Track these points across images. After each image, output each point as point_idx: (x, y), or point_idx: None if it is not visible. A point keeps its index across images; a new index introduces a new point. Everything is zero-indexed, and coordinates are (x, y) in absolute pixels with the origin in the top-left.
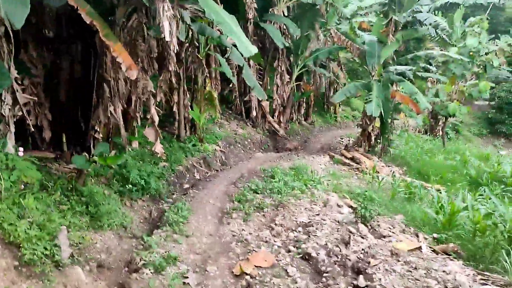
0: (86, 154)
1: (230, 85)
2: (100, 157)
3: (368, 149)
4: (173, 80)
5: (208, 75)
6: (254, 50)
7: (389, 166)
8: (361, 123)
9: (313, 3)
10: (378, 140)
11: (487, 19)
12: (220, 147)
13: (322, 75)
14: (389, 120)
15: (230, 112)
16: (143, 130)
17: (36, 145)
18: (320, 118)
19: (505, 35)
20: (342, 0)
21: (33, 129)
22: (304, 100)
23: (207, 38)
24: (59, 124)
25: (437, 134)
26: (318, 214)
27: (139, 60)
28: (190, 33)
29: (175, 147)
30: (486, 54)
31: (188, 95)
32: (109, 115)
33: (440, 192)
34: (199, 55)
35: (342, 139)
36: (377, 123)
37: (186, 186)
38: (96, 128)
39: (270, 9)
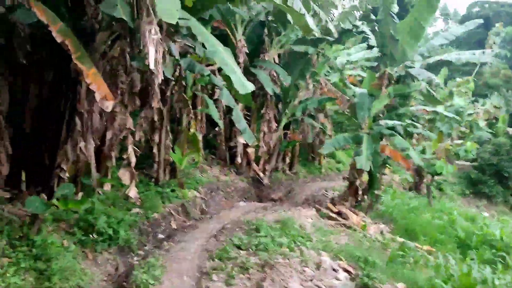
0: (45, 196)
1: (216, 129)
2: (62, 200)
3: (355, 203)
4: (156, 118)
5: (193, 116)
6: (250, 87)
7: (376, 223)
8: (348, 176)
9: (305, 51)
10: (365, 195)
11: (474, 80)
12: (201, 193)
13: (310, 125)
14: (378, 175)
15: (214, 157)
16: (118, 171)
17: None
18: (304, 169)
19: (488, 98)
20: (333, 52)
21: None
22: (290, 149)
23: (194, 78)
24: (20, 159)
25: (421, 192)
26: (311, 280)
27: (119, 92)
28: (178, 70)
29: (151, 192)
30: (470, 115)
31: (170, 136)
32: (78, 152)
33: (430, 254)
34: (185, 95)
35: (327, 191)
36: (365, 177)
37: (161, 236)
38: (62, 166)
39: (261, 55)
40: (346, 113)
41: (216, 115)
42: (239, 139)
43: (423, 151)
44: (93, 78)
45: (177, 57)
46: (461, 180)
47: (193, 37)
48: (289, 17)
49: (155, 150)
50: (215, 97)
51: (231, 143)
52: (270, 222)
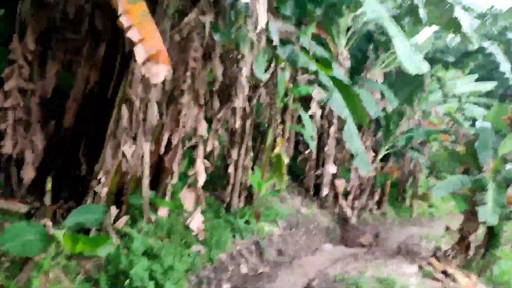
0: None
1: (306, 152)
2: (68, 236)
3: (464, 262)
4: (237, 124)
5: (281, 133)
6: (425, 68)
7: None
8: (461, 227)
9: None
10: (478, 254)
11: None
12: (279, 228)
13: (414, 159)
14: (500, 231)
15: (295, 185)
16: (180, 191)
17: (9, 187)
18: (392, 210)
19: None
20: (450, 79)
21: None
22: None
23: (286, 87)
24: (50, 163)
25: None
26: None
27: (188, 75)
28: (273, 65)
29: (221, 221)
30: None
31: (251, 154)
32: (122, 157)
33: None
34: (275, 104)
35: (421, 240)
36: (480, 232)
37: (226, 286)
38: (100, 177)
39: (363, 72)
40: (460, 151)
41: (309, 133)
42: (328, 168)
43: None
44: (137, 19)
45: (276, 41)
46: None
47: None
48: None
49: (231, 169)
50: (310, 112)
51: (318, 171)
52: (369, 282)
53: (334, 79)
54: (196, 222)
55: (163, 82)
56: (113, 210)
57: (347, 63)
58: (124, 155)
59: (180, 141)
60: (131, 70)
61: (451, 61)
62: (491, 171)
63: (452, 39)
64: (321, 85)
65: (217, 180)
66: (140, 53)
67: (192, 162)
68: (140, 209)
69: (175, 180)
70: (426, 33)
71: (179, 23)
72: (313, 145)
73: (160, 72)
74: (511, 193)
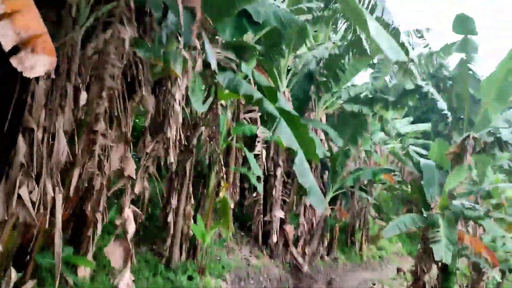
0: None
1: (254, 195)
2: None
3: None
4: (171, 156)
5: (225, 176)
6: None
7: None
8: (414, 268)
9: (358, 112)
10: None
11: None
12: (227, 283)
13: (362, 200)
14: (454, 269)
15: (242, 233)
16: (107, 245)
17: None
18: (343, 255)
19: None
20: (392, 117)
21: None
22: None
23: (229, 126)
24: None
25: None
26: None
27: (105, 97)
28: (211, 99)
29: (158, 281)
30: None
31: (192, 201)
32: (17, 204)
33: None
34: (218, 144)
35: (374, 285)
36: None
37: None
38: None
39: (306, 113)
40: (405, 188)
41: (255, 176)
42: (276, 213)
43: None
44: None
45: (214, 66)
46: None
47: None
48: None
49: (170, 218)
50: (255, 152)
51: (265, 217)
52: None
53: (281, 110)
54: (126, 282)
55: (75, 107)
56: (13, 274)
57: (290, 105)
58: (21, 200)
59: (104, 184)
60: (32, 90)
61: (392, 100)
62: (439, 208)
63: (390, 80)
64: (266, 116)
65: (155, 232)
66: (5, 35)
67: (120, 210)
68: (51, 272)
69: (99, 231)
70: (364, 76)
71: (93, 34)
72: (260, 187)
73: (38, 65)
74: (461, 229)
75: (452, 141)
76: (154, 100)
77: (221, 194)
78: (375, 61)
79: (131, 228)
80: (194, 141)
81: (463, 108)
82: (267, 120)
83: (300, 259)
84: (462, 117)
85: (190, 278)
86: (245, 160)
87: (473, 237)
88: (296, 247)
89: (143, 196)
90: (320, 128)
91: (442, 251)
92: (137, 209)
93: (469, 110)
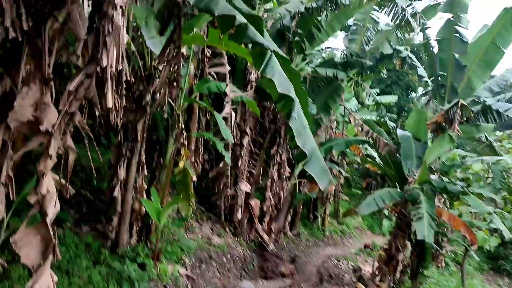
0: None
1: (221, 165)
2: None
3: (392, 285)
4: (109, 100)
5: (185, 143)
6: None
7: None
8: (388, 246)
9: (333, 77)
10: (405, 275)
11: None
12: (186, 268)
13: (333, 173)
14: (431, 248)
15: (203, 209)
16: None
17: None
18: (305, 230)
19: None
20: (372, 81)
21: None
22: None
23: (191, 81)
24: None
25: (440, 265)
26: None
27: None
28: (170, 43)
29: (101, 271)
30: None
31: (145, 172)
32: None
33: None
34: (176, 103)
35: (339, 261)
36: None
37: None
38: None
39: None
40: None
41: (222, 143)
42: (242, 186)
43: None
44: None
45: None
46: (479, 253)
47: None
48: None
49: (117, 193)
50: (223, 114)
51: (230, 191)
52: None
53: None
54: (43, 284)
55: None
56: None
57: None
58: None
59: (9, 143)
60: None
61: (369, 65)
62: (417, 182)
63: (366, 44)
64: (252, 47)
65: (101, 209)
66: None
67: (37, 181)
68: None
69: (1, 214)
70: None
71: None
72: (228, 157)
73: None
74: (437, 205)
75: (431, 110)
76: (86, 22)
77: (180, 164)
78: (350, 22)
79: (51, 208)
80: (148, 98)
81: (446, 74)
82: (254, 56)
83: (265, 237)
84: (444, 84)
85: (141, 266)
86: (209, 125)
87: (451, 214)
88: (261, 224)
89: (67, 161)
90: None
91: (425, 229)
92: (63, 181)
93: (452, 77)
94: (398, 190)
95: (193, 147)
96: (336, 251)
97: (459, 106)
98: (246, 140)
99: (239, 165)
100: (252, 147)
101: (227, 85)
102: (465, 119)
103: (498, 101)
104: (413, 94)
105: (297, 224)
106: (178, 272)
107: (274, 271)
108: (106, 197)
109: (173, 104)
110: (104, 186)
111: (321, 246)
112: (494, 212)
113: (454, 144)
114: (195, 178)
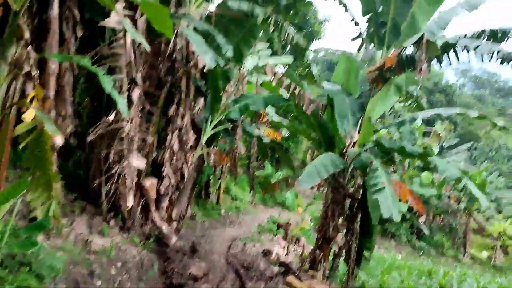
0: None
1: (110, 117)
2: None
3: (328, 272)
4: None
5: (34, 72)
6: None
7: None
8: (321, 226)
9: (247, 14)
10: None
11: None
12: None
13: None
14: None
15: (74, 197)
16: None
17: None
18: (199, 210)
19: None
20: (294, 18)
21: None
22: None
23: None
24: None
25: None
26: None
27: None
28: None
29: None
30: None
31: None
32: None
33: None
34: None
35: (245, 245)
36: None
37: None
38: None
39: (172, 9)
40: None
41: (110, 80)
42: (132, 161)
43: None
44: None
45: None
46: None
47: None
48: None
49: None
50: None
51: (114, 169)
52: None
53: None
54: None
55: None
56: None
57: None
58: None
59: None
60: None
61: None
62: (358, 145)
63: None
64: None
65: None
66: None
67: None
68: None
69: None
70: None
71: None
72: (124, 103)
73: None
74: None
75: (365, 54)
76: None
77: (27, 116)
78: None
79: None
80: None
81: (388, 10)
82: None
83: (165, 228)
84: (385, 22)
85: None
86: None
87: (398, 181)
88: (158, 210)
89: None
90: (200, 28)
91: (390, 204)
92: None
93: (395, 13)
94: (336, 156)
95: (52, 86)
96: (236, 231)
97: (425, 43)
98: (136, 94)
99: (126, 130)
100: (147, 104)
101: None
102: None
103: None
104: None
105: (190, 203)
106: None
107: (182, 275)
108: None
109: None
110: None
111: (218, 227)
112: (465, 175)
113: (402, 94)
114: (59, 141)
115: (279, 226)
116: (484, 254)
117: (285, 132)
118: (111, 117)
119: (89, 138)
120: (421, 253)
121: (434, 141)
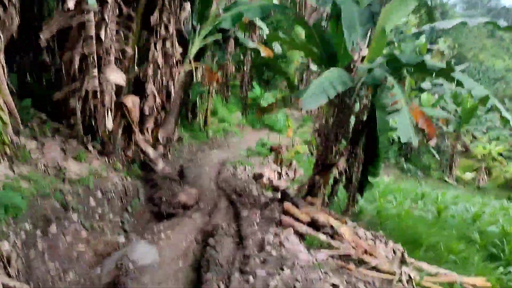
0: None
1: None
2: None
3: (328, 199)
4: None
5: None
6: None
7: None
8: (320, 152)
9: None
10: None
11: None
12: (15, 241)
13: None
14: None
15: (43, 117)
16: None
17: None
18: (186, 132)
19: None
20: None
21: None
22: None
23: None
24: None
25: None
26: None
27: None
28: None
29: None
30: None
31: None
32: None
33: None
34: None
35: (235, 168)
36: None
37: None
38: None
39: None
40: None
41: None
42: (110, 74)
43: None
44: None
45: None
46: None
47: None
48: None
49: None
50: None
51: (88, 83)
52: None
53: None
54: None
55: None
56: None
57: None
58: None
59: None
60: None
61: None
62: (367, 60)
63: None
64: None
65: None
66: None
67: None
68: None
69: None
70: None
71: None
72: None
73: None
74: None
75: None
76: None
77: None
78: None
79: None
80: None
81: None
82: None
83: (151, 152)
84: None
85: None
86: None
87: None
88: (143, 133)
89: None
90: None
91: (408, 128)
92: None
93: None
94: (343, 71)
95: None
96: (224, 154)
97: None
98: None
99: (102, 36)
100: (124, 8)
101: None
102: None
103: None
104: None
105: (177, 126)
106: None
107: (171, 203)
108: None
109: None
110: None
111: (206, 150)
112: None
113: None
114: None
115: (272, 149)
116: (469, 175)
117: (277, 49)
118: (71, 4)
119: (43, 36)
120: (408, 175)
121: (437, 60)
